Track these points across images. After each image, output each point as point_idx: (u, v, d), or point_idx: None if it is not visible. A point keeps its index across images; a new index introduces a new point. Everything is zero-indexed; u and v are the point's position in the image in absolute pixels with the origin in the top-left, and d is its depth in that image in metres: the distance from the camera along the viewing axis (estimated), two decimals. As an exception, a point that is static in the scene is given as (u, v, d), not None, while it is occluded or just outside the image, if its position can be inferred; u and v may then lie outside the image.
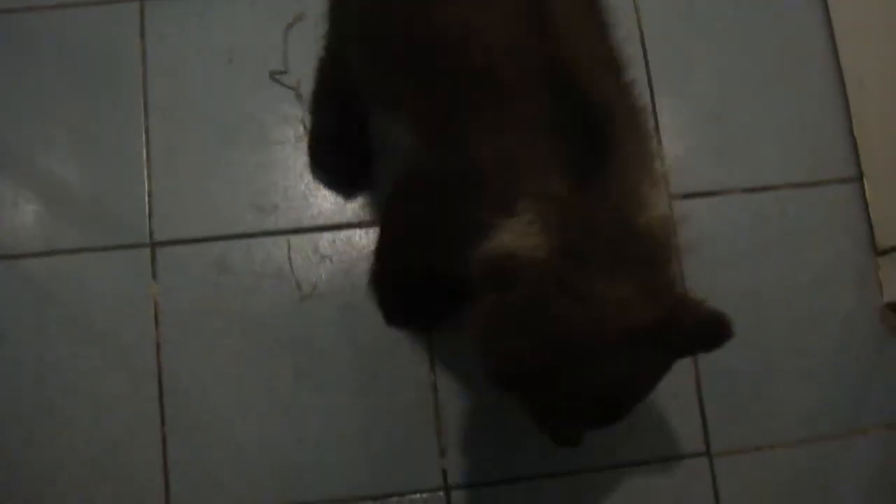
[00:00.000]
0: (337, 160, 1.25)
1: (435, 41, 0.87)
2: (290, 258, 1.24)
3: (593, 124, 0.81)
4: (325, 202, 1.26)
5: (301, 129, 1.27)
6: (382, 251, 1.13)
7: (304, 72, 1.26)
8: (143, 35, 1.29)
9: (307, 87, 1.27)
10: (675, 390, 1.25)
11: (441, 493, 1.16)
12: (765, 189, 1.32)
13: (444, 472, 1.17)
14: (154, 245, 1.23)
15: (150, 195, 1.24)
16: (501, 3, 0.86)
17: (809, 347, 1.28)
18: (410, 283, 1.14)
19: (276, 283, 1.23)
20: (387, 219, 1.10)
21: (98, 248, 1.23)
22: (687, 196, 1.27)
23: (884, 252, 1.29)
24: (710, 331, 0.81)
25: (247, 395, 1.20)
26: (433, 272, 1.00)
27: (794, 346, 1.28)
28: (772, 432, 1.25)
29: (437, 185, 0.91)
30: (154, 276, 1.23)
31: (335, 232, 1.25)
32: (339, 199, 1.26)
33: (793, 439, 1.25)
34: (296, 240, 1.24)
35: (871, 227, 1.31)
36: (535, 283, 0.79)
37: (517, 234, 0.80)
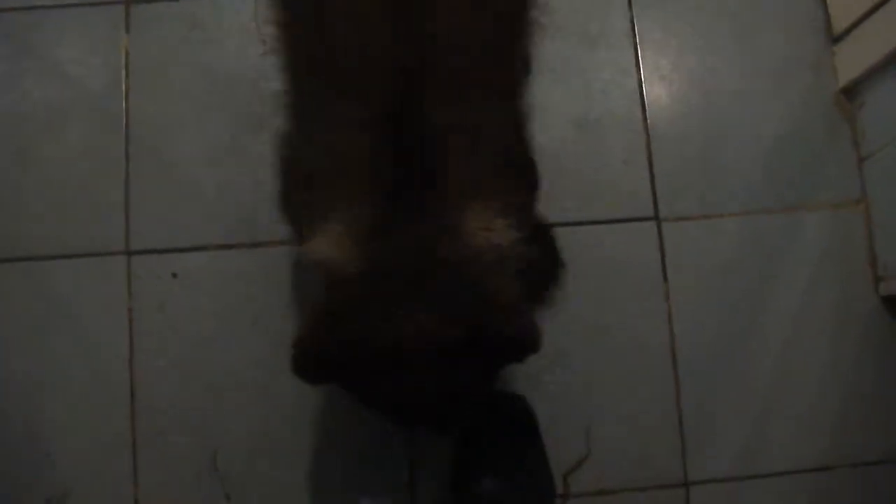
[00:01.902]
0: None
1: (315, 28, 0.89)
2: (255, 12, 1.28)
3: (427, 150, 0.81)
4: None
5: None
6: None
7: None
8: None
9: None
10: (626, 156, 1.27)
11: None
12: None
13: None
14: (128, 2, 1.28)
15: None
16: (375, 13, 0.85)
17: (762, 123, 1.30)
18: None
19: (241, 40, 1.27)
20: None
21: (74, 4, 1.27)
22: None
23: (839, 38, 1.30)
24: (516, 347, 0.83)
25: (209, 142, 1.23)
26: None
27: (747, 121, 1.30)
28: (720, 202, 1.27)
29: (286, 171, 0.94)
30: (127, 30, 1.27)
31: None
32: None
33: (739, 210, 1.27)
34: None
35: (827, 12, 1.32)
36: (340, 297, 0.81)
37: (329, 244, 0.82)
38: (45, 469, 1.18)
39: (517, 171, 0.92)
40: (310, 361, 0.82)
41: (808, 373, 1.24)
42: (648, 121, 1.28)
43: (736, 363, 1.23)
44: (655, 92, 1.30)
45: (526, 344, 0.82)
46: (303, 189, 0.89)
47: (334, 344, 0.80)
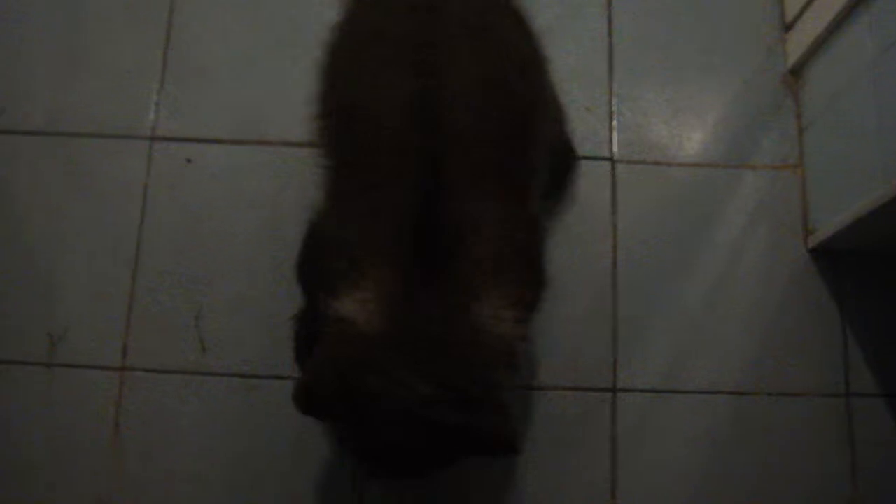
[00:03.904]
0: None
1: (348, 123, 0.96)
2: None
3: (451, 233, 0.87)
4: None
5: None
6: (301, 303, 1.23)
7: None
8: None
9: None
10: (589, 103, 1.45)
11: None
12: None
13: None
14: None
15: None
16: (393, 96, 0.91)
17: (719, 91, 1.48)
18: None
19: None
20: (296, 264, 1.19)
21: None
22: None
23: (790, 26, 1.49)
24: (500, 447, 0.88)
25: (238, 53, 1.48)
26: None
27: (705, 88, 1.48)
28: (672, 152, 1.44)
29: (321, 239, 1.02)
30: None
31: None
32: None
33: (690, 161, 1.43)
34: None
35: (782, 4, 1.51)
36: (356, 353, 0.86)
37: (356, 305, 0.87)
38: (49, 307, 1.35)
39: (528, 266, 0.96)
40: (311, 403, 0.87)
41: (736, 307, 1.37)
42: (614, 74, 1.46)
43: (671, 290, 1.37)
44: (624, 53, 1.48)
45: (510, 449, 0.87)
46: (333, 257, 0.93)
47: (339, 394, 0.85)
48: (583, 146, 1.42)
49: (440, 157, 0.88)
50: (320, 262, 0.99)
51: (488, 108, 0.93)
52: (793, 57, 1.47)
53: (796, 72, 1.46)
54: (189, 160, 1.40)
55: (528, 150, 0.97)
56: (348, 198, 0.94)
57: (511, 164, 0.94)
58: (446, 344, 0.86)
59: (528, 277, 0.94)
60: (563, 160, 1.35)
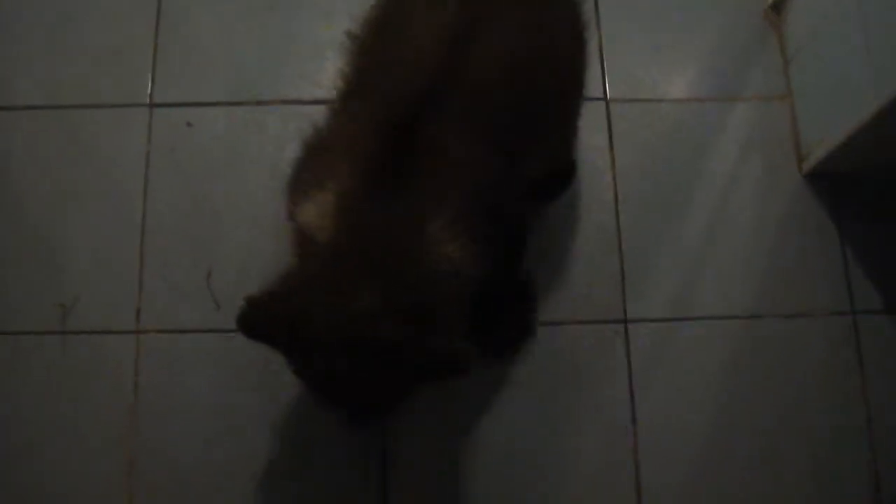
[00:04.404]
0: None
1: (380, 37, 1.01)
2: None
3: (420, 154, 0.89)
4: None
5: None
6: None
7: None
8: None
9: None
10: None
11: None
12: None
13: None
14: None
15: None
16: (431, 23, 0.94)
17: (704, 27, 1.52)
18: None
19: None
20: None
21: None
22: None
23: (772, -37, 1.53)
24: (446, 364, 0.85)
25: (228, 17, 1.49)
26: None
27: (690, 26, 1.52)
28: (664, 88, 1.47)
29: (307, 146, 1.03)
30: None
31: None
32: None
33: (682, 97, 1.46)
34: None
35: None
36: (306, 263, 0.89)
37: (317, 209, 0.88)
38: (58, 278, 1.35)
39: (488, 220, 0.94)
40: (254, 324, 0.87)
41: (737, 234, 1.40)
42: (601, 19, 1.49)
43: (672, 222, 1.40)
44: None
45: (458, 367, 0.85)
46: (311, 156, 0.99)
47: (281, 316, 0.85)
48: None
49: (451, 88, 0.90)
50: (300, 165, 1.00)
51: (515, 71, 0.95)
52: (775, -9, 1.51)
53: (777, 6, 1.50)
54: (189, 124, 1.41)
55: (531, 129, 1.00)
56: (349, 105, 0.98)
57: (513, 131, 0.96)
58: (395, 252, 0.86)
59: (484, 230, 0.93)
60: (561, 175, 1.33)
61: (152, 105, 1.42)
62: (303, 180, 0.95)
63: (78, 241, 1.36)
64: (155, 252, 1.35)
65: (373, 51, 0.99)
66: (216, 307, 1.32)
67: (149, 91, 1.43)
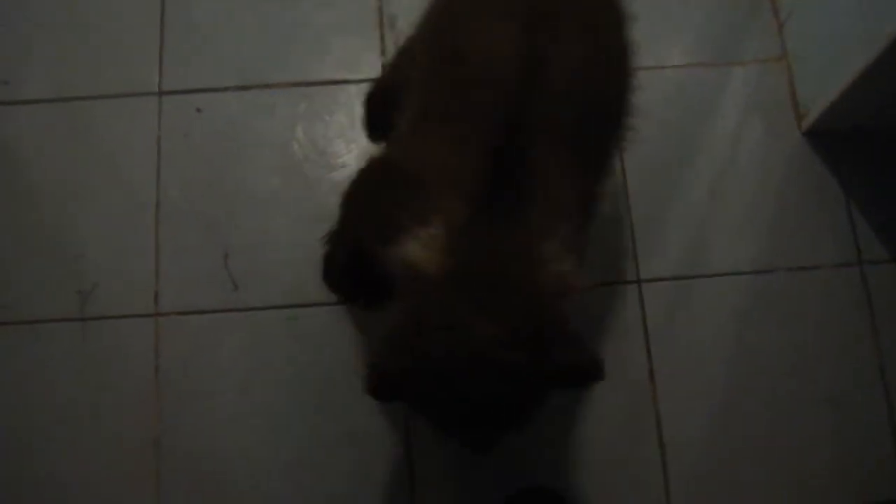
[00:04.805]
0: (349, 285, 1.29)
1: (447, 54, 0.97)
2: None
3: (523, 176, 0.88)
4: None
5: None
6: (337, 226, 1.19)
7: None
8: None
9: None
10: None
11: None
12: None
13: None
14: None
15: None
16: (500, 43, 0.91)
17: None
18: (354, 261, 1.19)
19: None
20: (346, 193, 1.11)
21: None
22: None
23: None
24: (582, 375, 0.86)
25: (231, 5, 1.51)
26: (371, 256, 1.00)
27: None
28: (664, 54, 1.50)
29: (388, 175, 0.99)
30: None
31: None
32: None
33: (680, 63, 1.50)
34: None
35: None
36: (420, 301, 0.86)
37: (422, 245, 0.86)
38: (76, 266, 1.35)
39: (583, 231, 0.96)
40: (385, 387, 0.85)
41: (741, 193, 1.43)
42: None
43: (678, 183, 1.43)
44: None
45: (591, 373, 0.86)
46: (395, 188, 0.94)
47: (406, 366, 0.83)
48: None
49: (532, 110, 0.89)
50: (384, 195, 0.98)
51: (586, 83, 0.94)
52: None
53: (768, -29, 1.54)
54: (199, 109, 1.43)
55: (605, 136, 1.02)
56: (430, 131, 0.94)
57: (590, 141, 0.97)
58: (511, 278, 0.85)
59: (582, 242, 0.94)
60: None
61: (161, 93, 1.44)
62: (397, 216, 0.90)
63: (94, 230, 1.37)
64: (171, 236, 1.36)
65: (448, 73, 0.96)
66: (234, 287, 1.33)
67: (157, 80, 1.45)
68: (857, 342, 1.36)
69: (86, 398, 1.28)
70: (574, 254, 0.89)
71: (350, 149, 1.42)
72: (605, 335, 1.33)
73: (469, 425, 0.88)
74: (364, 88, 1.41)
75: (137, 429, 1.27)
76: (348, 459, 1.26)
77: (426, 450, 1.27)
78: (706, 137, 1.45)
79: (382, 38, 1.48)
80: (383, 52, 1.47)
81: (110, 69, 1.45)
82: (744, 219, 1.41)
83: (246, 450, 1.27)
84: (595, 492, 1.27)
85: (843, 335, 1.36)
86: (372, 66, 1.46)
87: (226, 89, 1.44)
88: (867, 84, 1.28)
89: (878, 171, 1.43)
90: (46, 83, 1.44)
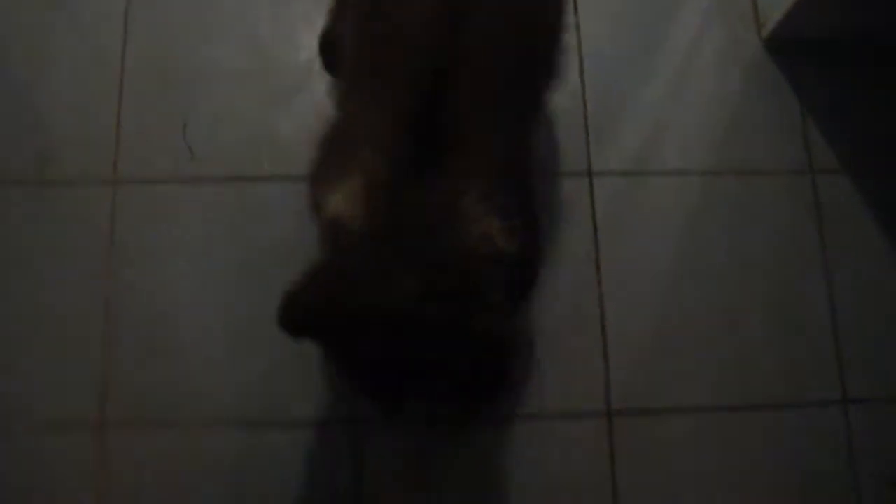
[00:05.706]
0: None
1: (368, 10, 0.99)
2: None
3: (444, 131, 0.88)
4: None
5: None
6: None
7: None
8: None
9: None
10: None
11: None
12: None
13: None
14: None
15: None
16: (419, 7, 0.93)
17: None
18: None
19: None
20: None
21: None
22: None
23: None
24: (494, 347, 0.88)
25: None
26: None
27: None
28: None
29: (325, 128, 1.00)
30: None
31: None
32: None
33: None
34: None
35: None
36: (343, 253, 0.87)
37: (344, 198, 0.87)
38: (36, 129, 1.37)
39: (517, 185, 0.96)
40: (297, 318, 0.85)
41: (699, 96, 1.45)
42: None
43: (636, 83, 1.45)
44: None
45: (504, 347, 0.87)
46: (329, 147, 0.96)
47: (323, 303, 0.84)
48: None
49: (453, 68, 0.90)
50: (319, 159, 0.98)
51: (507, 40, 0.95)
52: None
53: None
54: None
55: (532, 91, 1.02)
56: (356, 86, 0.97)
57: (516, 96, 0.97)
58: (434, 233, 0.85)
59: (516, 201, 0.93)
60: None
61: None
62: (325, 172, 0.94)
63: (56, 95, 1.38)
64: (131, 103, 1.38)
65: (370, 31, 0.98)
66: (191, 156, 1.35)
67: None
68: (804, 248, 1.38)
69: (41, 259, 1.30)
70: (503, 209, 0.88)
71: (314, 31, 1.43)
72: (554, 224, 1.35)
73: (379, 379, 0.89)
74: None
75: (89, 289, 1.29)
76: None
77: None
78: (667, 41, 1.47)
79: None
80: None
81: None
82: (699, 120, 1.43)
83: (193, 317, 1.29)
84: (538, 382, 1.29)
85: (790, 240, 1.38)
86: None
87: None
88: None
89: (835, 83, 1.45)
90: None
